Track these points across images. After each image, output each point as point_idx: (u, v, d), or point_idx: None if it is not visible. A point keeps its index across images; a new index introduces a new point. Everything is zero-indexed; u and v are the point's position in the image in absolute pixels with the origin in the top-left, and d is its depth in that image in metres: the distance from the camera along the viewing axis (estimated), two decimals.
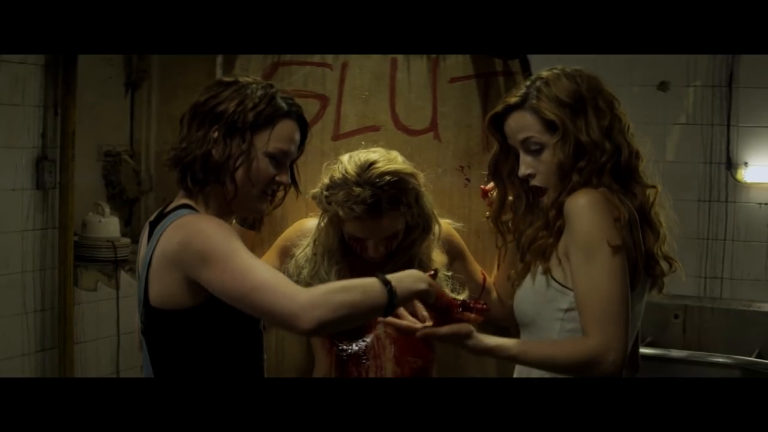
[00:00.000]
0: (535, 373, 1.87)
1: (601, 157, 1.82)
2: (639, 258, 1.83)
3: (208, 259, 1.68)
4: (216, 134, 1.81)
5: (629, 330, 1.76)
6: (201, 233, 1.72)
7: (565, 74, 1.87)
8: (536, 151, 1.87)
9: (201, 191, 1.85)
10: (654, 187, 1.89)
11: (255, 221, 2.29)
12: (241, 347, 1.87)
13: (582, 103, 1.84)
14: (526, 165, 1.89)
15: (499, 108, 1.93)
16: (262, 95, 1.84)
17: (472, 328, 1.79)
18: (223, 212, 1.88)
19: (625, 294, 1.76)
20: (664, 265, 1.90)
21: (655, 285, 1.92)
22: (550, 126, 1.84)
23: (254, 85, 1.86)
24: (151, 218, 1.88)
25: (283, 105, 1.87)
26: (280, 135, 1.85)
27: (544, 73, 1.89)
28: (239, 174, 1.82)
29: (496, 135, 1.97)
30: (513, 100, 1.89)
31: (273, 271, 1.70)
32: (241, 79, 1.88)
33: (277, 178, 1.87)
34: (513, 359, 1.84)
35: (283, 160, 1.88)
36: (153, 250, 1.78)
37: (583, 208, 1.78)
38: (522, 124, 1.88)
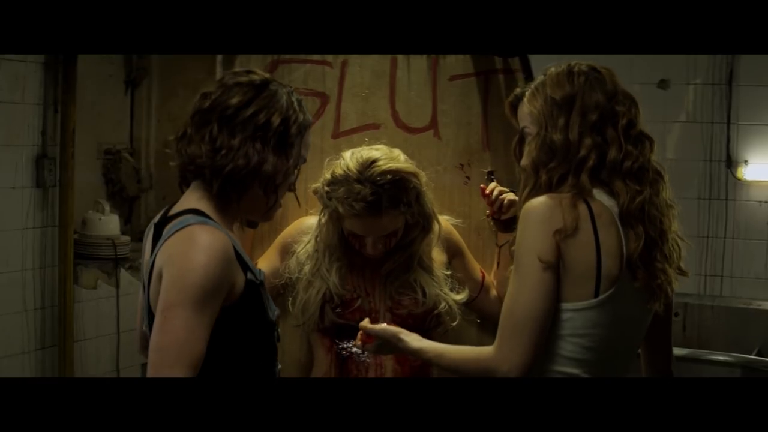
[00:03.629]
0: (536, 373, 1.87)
1: (576, 156, 1.77)
2: (612, 263, 1.74)
3: (169, 288, 1.61)
4: (261, 146, 1.71)
5: (536, 345, 1.72)
6: (194, 258, 1.62)
7: (568, 71, 1.85)
8: None
9: (219, 197, 1.74)
10: (642, 189, 1.79)
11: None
12: (253, 355, 1.78)
13: (570, 101, 1.80)
14: None
15: (510, 98, 1.96)
16: (297, 103, 1.78)
17: (399, 330, 1.95)
18: (233, 218, 1.81)
19: (536, 310, 1.72)
20: (662, 275, 1.79)
21: (653, 295, 1.80)
22: (534, 120, 1.85)
23: (284, 92, 1.77)
24: (156, 219, 1.79)
25: (306, 112, 1.82)
26: (307, 143, 1.82)
27: (551, 69, 1.88)
28: (283, 188, 1.78)
29: (517, 123, 1.96)
30: (518, 91, 1.94)
31: (188, 354, 1.59)
32: (272, 86, 1.77)
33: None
34: (430, 363, 1.99)
35: None
36: (155, 258, 1.70)
37: (524, 218, 1.77)
38: (522, 114, 1.90)
